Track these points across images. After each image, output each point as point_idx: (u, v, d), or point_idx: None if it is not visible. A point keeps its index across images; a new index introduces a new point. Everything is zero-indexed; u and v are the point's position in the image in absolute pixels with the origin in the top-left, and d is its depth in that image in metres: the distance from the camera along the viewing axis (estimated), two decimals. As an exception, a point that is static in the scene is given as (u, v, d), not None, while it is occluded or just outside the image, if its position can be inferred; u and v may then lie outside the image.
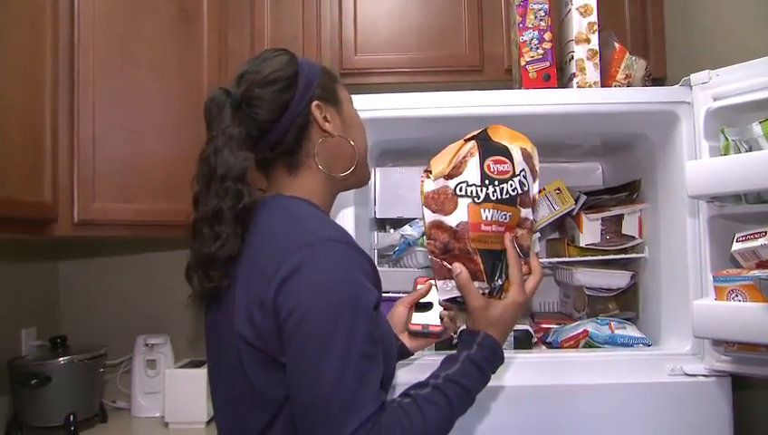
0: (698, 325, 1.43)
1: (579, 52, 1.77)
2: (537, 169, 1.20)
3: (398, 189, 2.07)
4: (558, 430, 1.61)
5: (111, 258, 2.41)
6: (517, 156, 1.15)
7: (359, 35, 2.14)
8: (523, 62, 1.80)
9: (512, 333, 1.76)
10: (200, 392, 2.01)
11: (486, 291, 1.12)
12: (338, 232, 1.04)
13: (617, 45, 1.82)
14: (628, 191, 1.99)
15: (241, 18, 2.14)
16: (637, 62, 1.81)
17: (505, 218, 1.12)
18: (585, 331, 1.82)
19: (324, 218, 1.10)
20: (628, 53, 1.82)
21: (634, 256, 1.95)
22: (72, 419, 1.90)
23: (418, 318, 1.28)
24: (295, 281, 0.95)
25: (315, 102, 1.12)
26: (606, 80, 1.80)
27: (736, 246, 1.40)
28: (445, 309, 1.29)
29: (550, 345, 1.90)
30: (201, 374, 2.03)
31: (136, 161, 1.88)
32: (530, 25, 1.79)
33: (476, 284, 1.11)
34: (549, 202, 2.01)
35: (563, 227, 2.15)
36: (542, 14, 1.79)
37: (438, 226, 1.11)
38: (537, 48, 1.79)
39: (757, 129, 1.39)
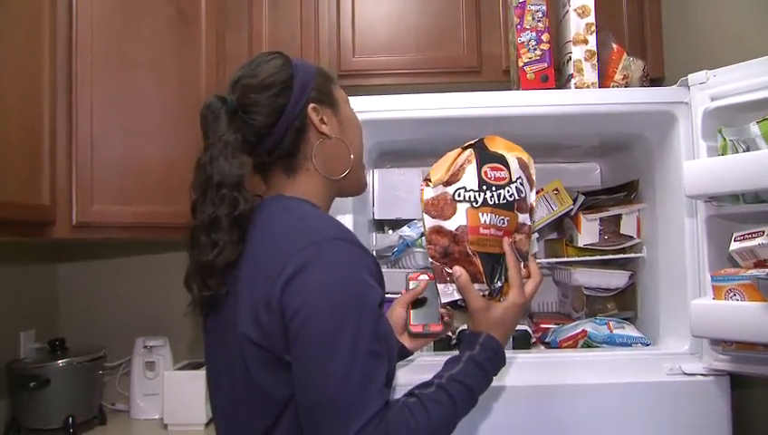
0: (696, 325, 1.43)
1: (576, 53, 1.77)
2: (534, 178, 1.21)
3: (396, 191, 2.07)
4: (557, 429, 1.61)
5: (110, 261, 2.41)
6: (514, 164, 1.17)
7: (357, 37, 2.14)
8: (520, 64, 1.80)
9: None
10: (199, 394, 2.00)
11: (486, 293, 1.13)
12: (342, 230, 1.04)
13: (614, 46, 1.82)
14: (626, 191, 2.00)
15: (239, 20, 2.14)
16: (634, 62, 1.82)
17: (503, 223, 1.13)
18: (584, 331, 1.82)
19: (328, 217, 1.10)
20: (625, 53, 1.82)
21: (632, 255, 1.95)
22: (70, 421, 1.90)
23: (418, 318, 1.28)
24: (301, 280, 0.95)
25: (311, 105, 1.12)
26: (604, 80, 1.80)
27: (734, 246, 1.41)
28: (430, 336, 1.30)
29: (548, 345, 1.90)
30: (200, 376, 2.02)
31: (134, 163, 1.88)
32: (528, 27, 1.80)
33: (476, 286, 1.12)
34: (547, 202, 2.01)
35: (562, 228, 2.15)
36: (540, 16, 1.79)
37: (438, 231, 1.13)
38: (535, 49, 1.79)
39: (755, 129, 1.39)
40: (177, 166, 1.74)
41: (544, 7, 1.80)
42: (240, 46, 2.11)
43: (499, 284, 1.13)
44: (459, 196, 1.13)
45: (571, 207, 2.01)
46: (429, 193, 1.15)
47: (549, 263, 2.13)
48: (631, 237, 1.96)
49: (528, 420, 1.61)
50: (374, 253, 2.04)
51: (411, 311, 1.29)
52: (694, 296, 1.56)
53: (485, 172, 1.14)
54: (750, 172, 1.31)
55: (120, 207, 1.85)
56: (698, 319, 1.42)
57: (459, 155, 1.17)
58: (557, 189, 2.02)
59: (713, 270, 1.50)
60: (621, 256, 1.96)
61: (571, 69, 1.78)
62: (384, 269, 1.98)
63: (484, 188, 1.13)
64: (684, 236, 1.65)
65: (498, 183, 1.13)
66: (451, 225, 1.12)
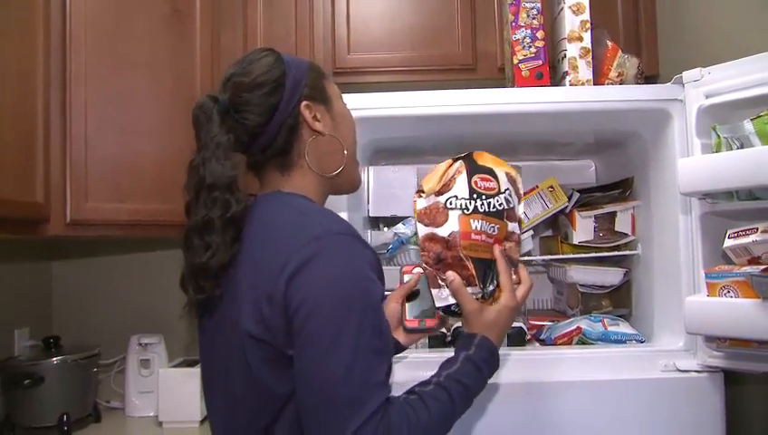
0: (691, 321, 1.44)
1: (571, 50, 1.77)
2: (521, 192, 1.24)
3: (391, 188, 2.07)
4: (551, 426, 1.62)
5: (104, 258, 2.40)
6: (502, 177, 1.21)
7: (352, 34, 2.14)
8: (515, 61, 1.80)
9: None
10: (194, 392, 2.00)
11: (479, 296, 1.15)
12: (344, 225, 1.05)
13: (609, 43, 1.82)
14: (620, 189, 2.00)
15: (234, 17, 2.13)
16: (629, 60, 1.82)
17: (494, 230, 1.16)
18: (578, 328, 1.83)
19: (329, 212, 1.10)
20: (620, 51, 1.82)
21: (627, 253, 1.96)
22: (65, 419, 1.89)
23: (413, 313, 1.28)
24: (305, 274, 0.96)
25: (304, 103, 1.11)
26: (598, 78, 1.80)
27: (728, 243, 1.41)
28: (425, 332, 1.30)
29: (543, 342, 1.91)
30: (195, 374, 2.02)
31: (128, 161, 1.88)
32: (522, 24, 1.80)
33: (469, 289, 1.14)
34: (542, 200, 2.02)
35: (557, 225, 2.15)
36: (535, 13, 1.79)
37: (431, 238, 1.16)
38: (530, 46, 1.79)
39: (749, 126, 1.39)
40: (171, 163, 1.74)
41: (539, 4, 1.80)
42: (235, 43, 2.11)
43: (491, 287, 1.15)
44: (451, 204, 1.15)
45: (566, 204, 2.01)
46: (422, 203, 1.17)
47: (544, 260, 2.13)
48: (626, 235, 1.96)
49: (523, 417, 1.61)
50: (370, 249, 2.04)
51: (406, 305, 1.29)
52: (688, 293, 1.57)
53: (475, 182, 1.17)
54: (744, 169, 1.32)
55: (116, 205, 1.84)
56: (692, 316, 1.43)
57: (450, 166, 1.20)
58: (552, 187, 2.02)
59: (707, 267, 1.50)
60: (616, 253, 1.97)
61: (565, 66, 1.78)
62: (379, 266, 2.02)
63: (475, 196, 1.16)
64: (678, 234, 1.65)
65: (488, 193, 1.17)
66: (443, 231, 1.15)
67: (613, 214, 1.98)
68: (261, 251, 1.03)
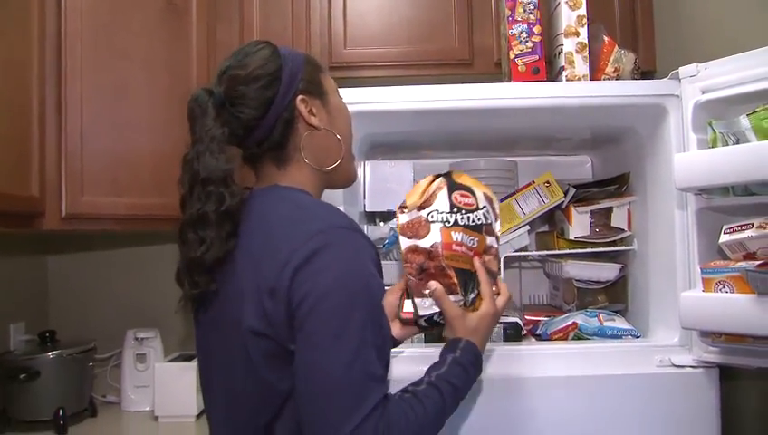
0: (686, 317, 1.44)
1: (568, 45, 1.77)
2: (498, 212, 1.28)
3: (387, 183, 2.07)
4: (547, 421, 1.61)
5: (100, 252, 2.40)
6: (480, 195, 1.24)
7: (348, 29, 2.14)
8: (512, 56, 1.80)
9: (501, 325, 1.78)
10: (190, 386, 2.00)
11: (461, 303, 1.18)
12: (346, 219, 1.05)
13: (606, 39, 1.82)
14: (617, 184, 2.00)
15: (230, 11, 2.13)
16: (626, 55, 1.82)
17: (473, 243, 1.19)
18: (574, 323, 1.83)
19: (329, 205, 1.10)
20: (617, 46, 1.82)
21: (623, 248, 1.96)
22: (61, 413, 1.89)
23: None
24: (310, 268, 0.96)
25: (300, 97, 1.11)
26: (595, 73, 1.80)
27: (724, 238, 1.41)
28: (422, 328, 1.31)
29: (539, 337, 1.91)
30: (191, 368, 2.02)
31: (124, 155, 1.87)
32: (519, 19, 1.79)
33: (452, 297, 1.17)
34: (538, 195, 2.02)
35: (553, 220, 2.16)
36: (531, 8, 1.79)
37: (414, 250, 1.18)
38: (526, 41, 1.79)
39: (744, 121, 1.39)
40: (168, 157, 1.70)
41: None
42: (231, 37, 2.10)
43: (472, 295, 1.18)
44: (432, 217, 1.18)
45: (563, 199, 2.01)
46: (404, 218, 1.20)
47: (540, 255, 2.13)
48: (622, 230, 1.96)
49: (518, 412, 1.61)
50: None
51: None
52: (684, 289, 1.57)
53: (455, 197, 1.20)
54: (739, 165, 1.32)
55: (112, 199, 1.84)
56: (688, 311, 1.43)
57: (431, 183, 1.23)
58: (548, 182, 2.02)
59: (702, 262, 1.50)
60: (612, 248, 1.97)
61: (562, 61, 1.78)
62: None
63: (455, 210, 1.19)
64: (674, 229, 1.65)
65: (467, 208, 1.20)
66: (426, 243, 1.17)
67: (609, 209, 1.98)
68: (261, 246, 1.03)
